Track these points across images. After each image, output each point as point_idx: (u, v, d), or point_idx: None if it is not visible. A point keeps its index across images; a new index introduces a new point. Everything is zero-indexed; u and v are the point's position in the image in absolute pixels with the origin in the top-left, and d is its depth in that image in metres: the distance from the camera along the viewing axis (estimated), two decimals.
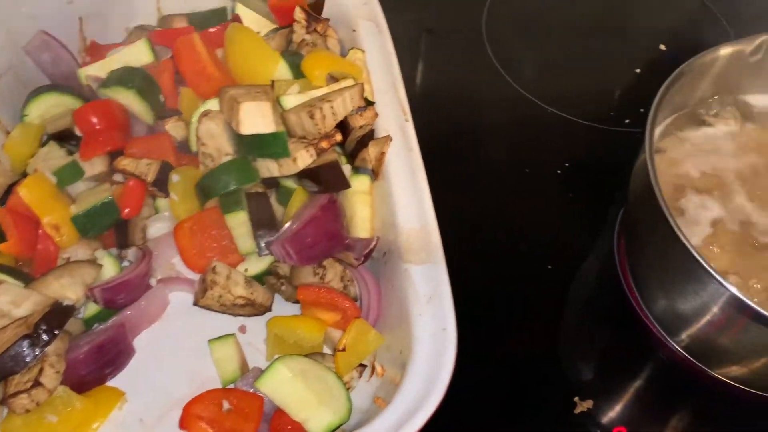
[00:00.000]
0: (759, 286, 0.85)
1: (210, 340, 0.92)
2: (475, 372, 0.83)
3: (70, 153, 1.02)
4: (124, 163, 0.98)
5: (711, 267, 0.75)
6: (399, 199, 0.90)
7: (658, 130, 0.98)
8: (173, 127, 1.02)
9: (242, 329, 0.97)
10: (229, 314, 0.96)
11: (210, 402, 0.87)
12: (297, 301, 0.96)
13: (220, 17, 1.16)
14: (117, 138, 1.00)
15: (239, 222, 0.95)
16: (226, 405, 0.87)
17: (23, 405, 0.81)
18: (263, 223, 0.95)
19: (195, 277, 0.99)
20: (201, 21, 1.15)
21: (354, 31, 1.06)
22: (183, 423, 0.86)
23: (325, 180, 0.94)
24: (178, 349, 0.95)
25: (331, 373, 0.87)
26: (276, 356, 0.91)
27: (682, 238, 0.77)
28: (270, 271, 0.98)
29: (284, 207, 0.98)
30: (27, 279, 0.92)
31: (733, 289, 0.74)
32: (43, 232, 0.95)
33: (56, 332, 0.84)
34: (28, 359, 0.82)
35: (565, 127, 1.23)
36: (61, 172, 0.99)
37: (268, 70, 1.01)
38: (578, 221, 1.13)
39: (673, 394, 0.96)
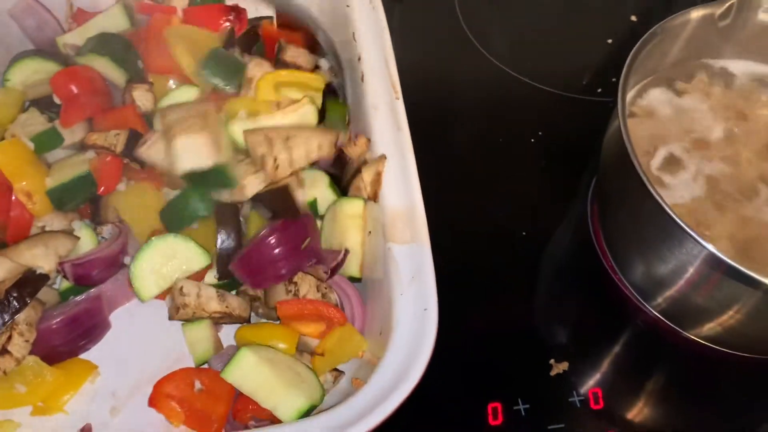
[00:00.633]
0: (729, 243, 0.86)
1: (183, 324, 0.90)
2: (451, 338, 0.82)
3: (51, 120, 0.99)
4: (94, 138, 0.97)
5: (684, 223, 0.76)
6: (386, 178, 0.89)
7: (630, 94, 0.99)
8: (140, 96, 1.00)
9: None
10: None
11: (181, 381, 0.86)
12: (277, 319, 0.91)
13: None
14: (97, 104, 0.98)
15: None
16: (197, 385, 0.85)
17: None
18: (227, 252, 0.91)
19: None
20: None
21: (348, 6, 1.05)
22: (152, 401, 0.84)
23: (275, 207, 0.90)
24: (154, 325, 0.93)
25: (302, 363, 0.85)
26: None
27: (654, 194, 0.77)
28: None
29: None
30: (0, 246, 0.89)
31: (709, 246, 0.75)
32: (16, 198, 0.92)
33: (27, 300, 0.83)
34: None
35: (537, 97, 1.23)
36: (39, 138, 0.96)
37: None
38: (551, 189, 1.13)
39: (647, 356, 0.97)
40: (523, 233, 1.07)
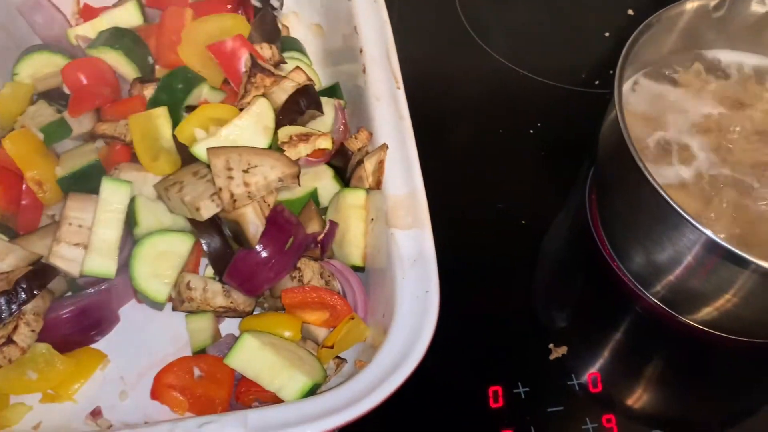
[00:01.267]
0: (725, 229, 0.88)
1: (187, 315, 0.92)
2: (453, 323, 0.84)
3: (59, 112, 1.01)
4: (103, 128, 0.98)
5: (681, 209, 0.77)
6: (388, 166, 0.91)
7: (626, 85, 1.00)
8: (149, 93, 1.00)
9: None
10: None
11: (180, 370, 0.87)
12: (282, 308, 0.92)
13: None
14: (106, 95, 1.00)
15: None
16: (197, 372, 0.87)
17: None
18: (217, 254, 0.91)
19: None
20: None
21: (349, 0, 1.07)
22: (155, 393, 0.86)
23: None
24: (163, 312, 0.94)
25: (302, 348, 0.86)
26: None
27: (652, 181, 0.79)
28: None
29: None
30: (12, 234, 0.91)
31: (707, 231, 0.76)
32: (27, 187, 0.94)
33: (35, 292, 0.84)
34: (3, 315, 0.81)
35: (536, 89, 1.25)
36: (48, 129, 0.98)
37: None
38: (550, 178, 1.15)
39: (644, 340, 0.99)
40: (523, 221, 1.08)
